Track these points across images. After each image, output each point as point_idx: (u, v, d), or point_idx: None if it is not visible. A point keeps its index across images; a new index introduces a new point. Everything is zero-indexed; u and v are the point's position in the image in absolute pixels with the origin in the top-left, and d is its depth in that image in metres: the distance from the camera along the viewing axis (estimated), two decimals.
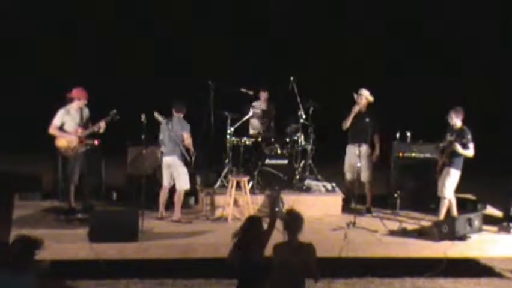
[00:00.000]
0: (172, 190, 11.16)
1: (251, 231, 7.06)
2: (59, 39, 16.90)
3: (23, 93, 16.81)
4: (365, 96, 11.89)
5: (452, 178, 10.99)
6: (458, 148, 10.82)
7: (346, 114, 11.90)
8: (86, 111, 11.13)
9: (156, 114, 10.95)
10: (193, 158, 11.13)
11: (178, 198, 11.04)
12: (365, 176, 11.87)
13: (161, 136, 11.11)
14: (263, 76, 14.40)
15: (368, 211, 11.87)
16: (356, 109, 11.84)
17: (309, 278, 7.00)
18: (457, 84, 17.03)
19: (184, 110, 11.09)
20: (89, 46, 17.12)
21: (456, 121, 10.98)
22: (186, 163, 11.07)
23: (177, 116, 11.05)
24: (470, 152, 10.90)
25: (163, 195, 11.14)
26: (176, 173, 11.01)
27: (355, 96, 11.94)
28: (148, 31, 17.25)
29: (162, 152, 11.06)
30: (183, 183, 11.03)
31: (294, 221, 7.08)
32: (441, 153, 11.16)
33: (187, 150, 11.05)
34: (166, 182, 11.11)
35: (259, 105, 12.94)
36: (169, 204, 11.19)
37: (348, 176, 12.01)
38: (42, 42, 16.99)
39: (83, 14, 17.06)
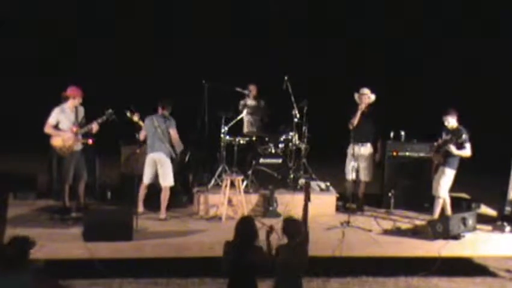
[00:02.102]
0: (152, 188, 11.19)
1: (244, 232, 7.18)
2: (58, 39, 16.88)
3: (19, 93, 16.80)
4: (368, 95, 11.88)
5: (447, 178, 11.01)
6: (453, 149, 10.83)
7: (351, 114, 11.84)
8: (81, 110, 11.09)
9: (131, 115, 10.99)
10: (178, 154, 11.13)
11: (165, 196, 11.05)
12: (365, 176, 11.88)
13: (142, 134, 11.10)
14: (258, 75, 14.38)
15: (360, 209, 11.89)
16: (362, 107, 11.79)
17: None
18: (455, 83, 17.08)
19: (170, 107, 11.10)
20: (88, 46, 17.11)
21: (452, 122, 10.99)
22: (172, 160, 11.09)
23: (162, 113, 11.05)
24: (466, 152, 10.90)
25: (142, 192, 11.13)
26: (161, 170, 10.97)
27: (356, 95, 11.93)
28: (147, 31, 17.25)
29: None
30: (169, 180, 11.04)
31: (291, 227, 7.29)
32: (435, 152, 11.17)
33: (172, 146, 11.05)
34: (146, 179, 11.06)
35: (250, 102, 12.94)
36: (155, 202, 11.21)
37: (350, 176, 11.99)
38: (42, 42, 16.97)
39: (82, 13, 17.06)
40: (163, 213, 11.06)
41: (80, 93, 10.98)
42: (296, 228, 7.32)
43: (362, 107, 11.81)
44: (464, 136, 10.80)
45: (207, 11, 17.45)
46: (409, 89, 17.14)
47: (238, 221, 7.34)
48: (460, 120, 11.04)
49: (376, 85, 12.11)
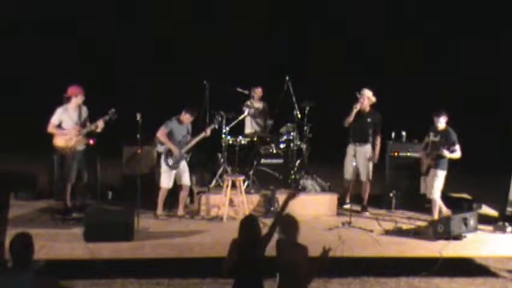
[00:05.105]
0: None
1: (247, 231, 7.11)
2: (58, 39, 16.89)
3: (20, 92, 16.81)
4: (367, 96, 11.87)
5: (440, 179, 11.03)
6: (446, 153, 10.85)
7: (347, 112, 11.85)
8: (84, 110, 11.08)
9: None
10: (165, 156, 11.14)
11: (159, 196, 11.19)
12: (364, 176, 11.86)
13: None
14: (259, 75, 14.38)
15: (364, 210, 11.88)
16: (357, 107, 11.81)
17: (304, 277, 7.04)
18: (456, 84, 17.08)
19: (185, 112, 11.21)
20: (88, 46, 17.12)
21: (443, 123, 11.00)
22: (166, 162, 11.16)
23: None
24: (457, 154, 10.93)
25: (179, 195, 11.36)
26: None
27: (358, 95, 11.91)
28: (147, 31, 17.26)
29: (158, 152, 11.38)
30: (160, 180, 11.20)
31: (287, 225, 7.16)
32: (426, 155, 11.15)
33: (169, 150, 11.13)
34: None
35: (253, 103, 12.93)
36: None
37: (348, 175, 11.99)
38: (42, 42, 16.98)
39: (84, 13, 17.08)
40: (157, 211, 11.19)
41: (82, 91, 10.97)
42: (293, 227, 7.15)
43: (358, 106, 11.80)
44: (454, 138, 10.81)
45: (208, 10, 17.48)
46: (409, 89, 17.12)
47: (242, 221, 7.30)
48: (449, 122, 11.04)
49: (376, 85, 12.10)
